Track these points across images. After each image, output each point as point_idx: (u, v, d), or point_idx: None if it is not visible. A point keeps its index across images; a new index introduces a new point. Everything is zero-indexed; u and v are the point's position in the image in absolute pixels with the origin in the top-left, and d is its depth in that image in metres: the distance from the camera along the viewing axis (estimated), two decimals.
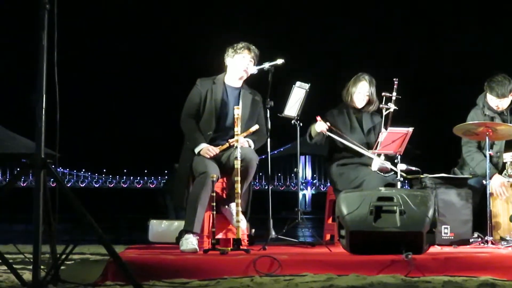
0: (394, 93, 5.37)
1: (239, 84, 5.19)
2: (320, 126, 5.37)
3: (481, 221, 5.29)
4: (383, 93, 5.39)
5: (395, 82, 5.36)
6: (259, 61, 5.21)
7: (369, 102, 5.60)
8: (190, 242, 4.62)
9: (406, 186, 5.91)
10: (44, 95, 3.35)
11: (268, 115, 5.17)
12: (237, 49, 5.13)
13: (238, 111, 4.73)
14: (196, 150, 4.91)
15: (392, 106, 5.37)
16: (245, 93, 5.18)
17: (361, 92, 5.57)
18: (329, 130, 5.38)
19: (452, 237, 5.38)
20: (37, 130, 3.34)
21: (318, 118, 5.39)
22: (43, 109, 3.34)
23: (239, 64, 5.12)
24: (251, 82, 5.31)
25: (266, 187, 5.32)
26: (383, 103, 5.40)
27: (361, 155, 5.38)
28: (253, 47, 5.17)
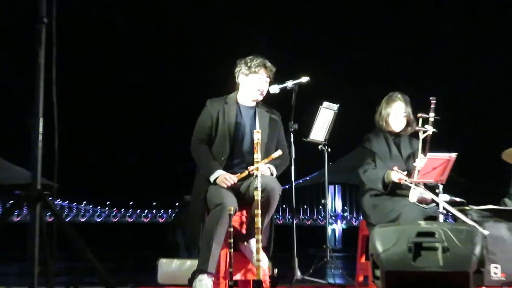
0: (432, 114, 5.34)
1: (253, 103, 5.21)
2: (397, 175, 5.27)
3: None
4: (419, 114, 5.37)
5: (433, 102, 5.34)
6: (281, 78, 5.23)
7: (408, 124, 5.58)
8: (204, 284, 4.61)
9: (450, 220, 5.86)
10: (41, 119, 3.37)
11: (292, 140, 5.17)
12: (252, 67, 5.14)
13: (258, 135, 4.73)
14: (212, 179, 4.91)
15: (430, 129, 5.34)
16: (261, 113, 5.19)
17: (397, 113, 5.55)
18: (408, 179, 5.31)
19: (504, 278, 5.31)
20: (33, 158, 3.36)
21: (395, 168, 5.32)
22: (40, 135, 3.36)
23: (255, 85, 5.14)
24: (272, 102, 5.32)
25: (291, 221, 5.30)
26: (420, 125, 5.38)
27: (398, 184, 5.35)
28: (269, 64, 5.18)
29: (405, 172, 5.27)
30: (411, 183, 5.24)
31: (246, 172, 4.96)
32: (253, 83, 5.13)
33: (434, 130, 5.34)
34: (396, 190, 5.39)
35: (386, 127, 5.59)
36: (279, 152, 5.00)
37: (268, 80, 5.18)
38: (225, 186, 4.88)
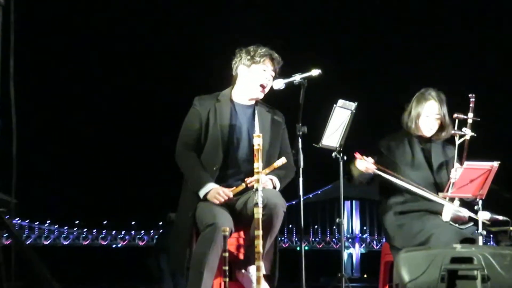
0: (471, 115, 5.34)
1: (252, 101, 5.21)
2: (362, 164, 5.29)
3: None
4: (455, 115, 5.36)
5: (472, 100, 5.33)
6: (286, 71, 5.22)
7: (441, 127, 5.55)
8: None
9: (491, 243, 5.86)
10: None
11: (300, 146, 5.15)
12: (256, 57, 5.12)
13: (258, 140, 4.69)
14: (202, 194, 4.90)
15: (468, 132, 5.33)
16: (261, 113, 5.18)
17: (429, 115, 5.52)
18: (377, 167, 5.30)
19: None
20: None
21: (358, 155, 5.32)
22: None
23: (257, 78, 5.12)
24: (275, 100, 5.32)
25: (298, 244, 5.30)
26: (456, 128, 5.37)
27: (428, 199, 5.34)
28: (276, 55, 5.17)
29: (371, 160, 5.26)
30: (379, 170, 5.24)
31: (243, 185, 4.94)
32: (255, 75, 5.12)
33: (473, 134, 5.33)
34: (419, 204, 5.38)
35: (416, 130, 5.55)
36: (282, 160, 4.98)
37: (273, 74, 5.16)
38: (218, 202, 4.86)
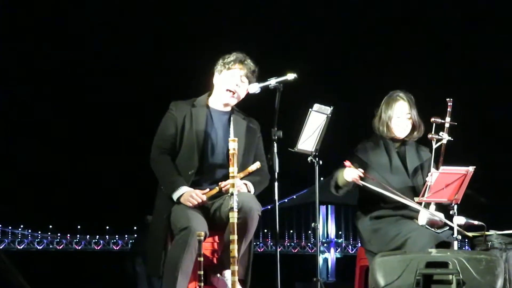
0: (448, 119, 5.35)
1: (228, 107, 5.21)
2: (350, 173, 5.29)
3: None
4: (432, 119, 5.37)
5: (449, 104, 5.35)
6: (260, 76, 5.22)
7: (413, 127, 5.56)
8: None
9: (466, 247, 5.88)
10: None
11: (276, 150, 5.15)
12: (226, 63, 5.13)
13: (234, 145, 4.70)
14: (175, 197, 4.90)
15: (445, 136, 5.35)
16: (237, 119, 5.18)
17: (400, 115, 5.53)
18: (363, 178, 5.30)
19: None
20: None
21: (347, 163, 5.31)
22: None
23: (225, 84, 5.12)
24: (251, 105, 5.31)
25: (273, 249, 5.29)
26: (433, 132, 5.38)
27: (404, 204, 5.34)
28: (249, 60, 5.17)
29: (361, 171, 5.26)
30: (363, 179, 5.25)
31: (217, 189, 4.94)
32: (224, 81, 5.12)
33: (450, 138, 5.34)
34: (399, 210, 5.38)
35: (388, 133, 5.56)
36: (257, 164, 4.99)
37: (246, 80, 5.14)
38: (192, 205, 4.85)
